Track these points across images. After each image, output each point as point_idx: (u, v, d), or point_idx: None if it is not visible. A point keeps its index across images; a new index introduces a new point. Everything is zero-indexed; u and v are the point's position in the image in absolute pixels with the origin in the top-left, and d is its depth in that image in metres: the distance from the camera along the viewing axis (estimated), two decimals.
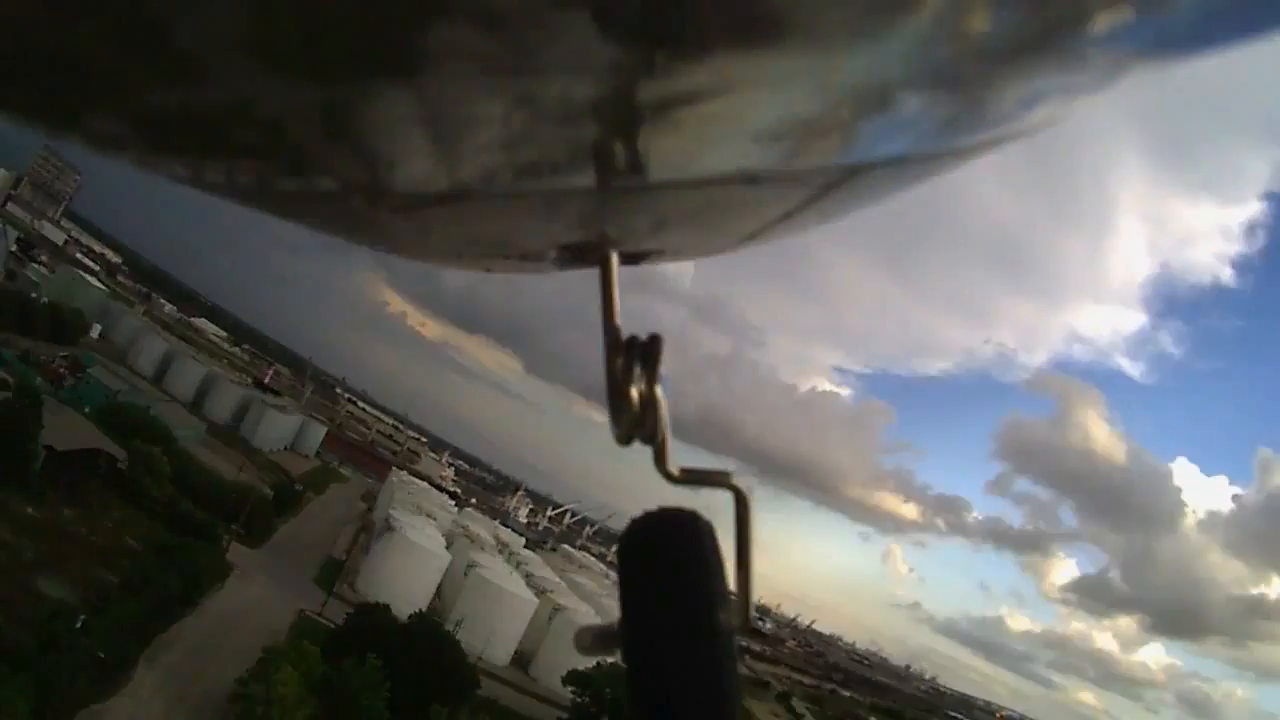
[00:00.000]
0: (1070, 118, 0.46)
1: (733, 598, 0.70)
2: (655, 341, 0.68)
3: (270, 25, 0.31)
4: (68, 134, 0.44)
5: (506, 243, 0.66)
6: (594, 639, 0.71)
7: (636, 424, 0.68)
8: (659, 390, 0.67)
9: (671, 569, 0.65)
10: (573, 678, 31.37)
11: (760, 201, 0.57)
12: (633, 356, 0.68)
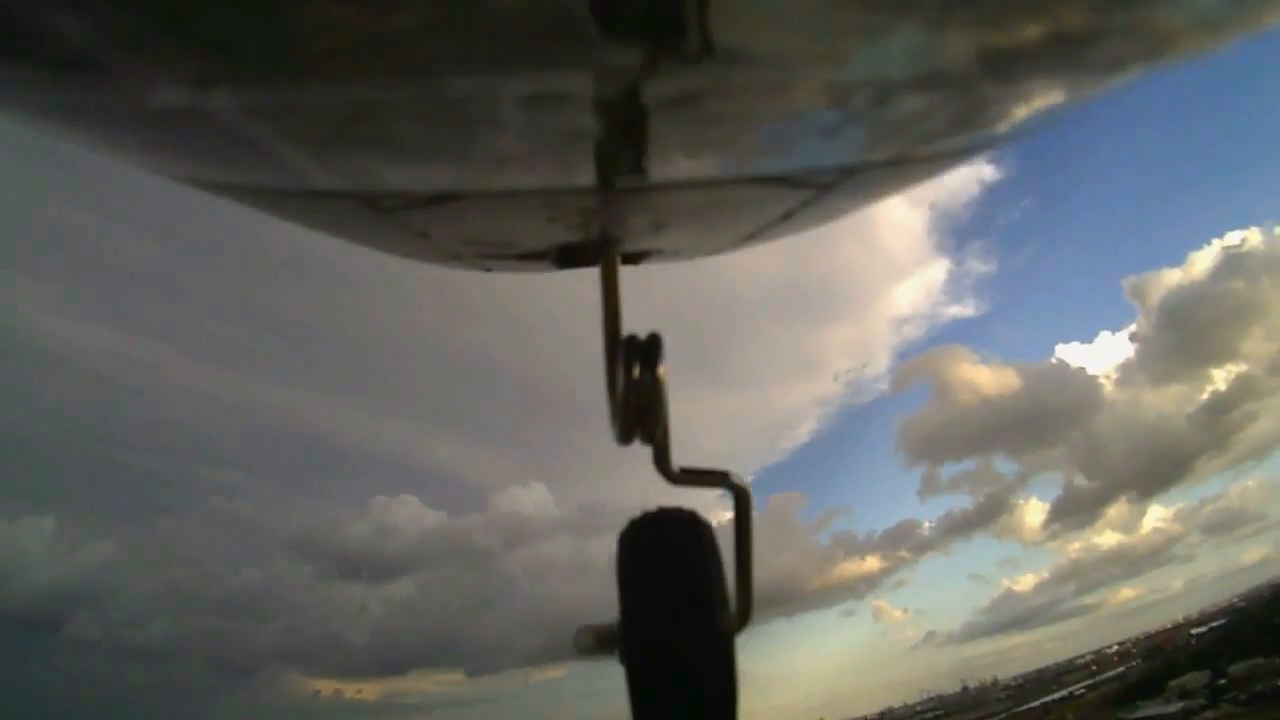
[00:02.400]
0: (1066, 119, 0.46)
1: (733, 596, 0.70)
2: (655, 341, 0.69)
3: (270, 25, 0.31)
4: (68, 134, 0.44)
5: (507, 243, 0.66)
6: (594, 638, 0.72)
7: (636, 423, 0.68)
8: (659, 390, 0.67)
9: (671, 568, 0.65)
10: None
11: (760, 201, 0.57)
12: (633, 356, 0.68)
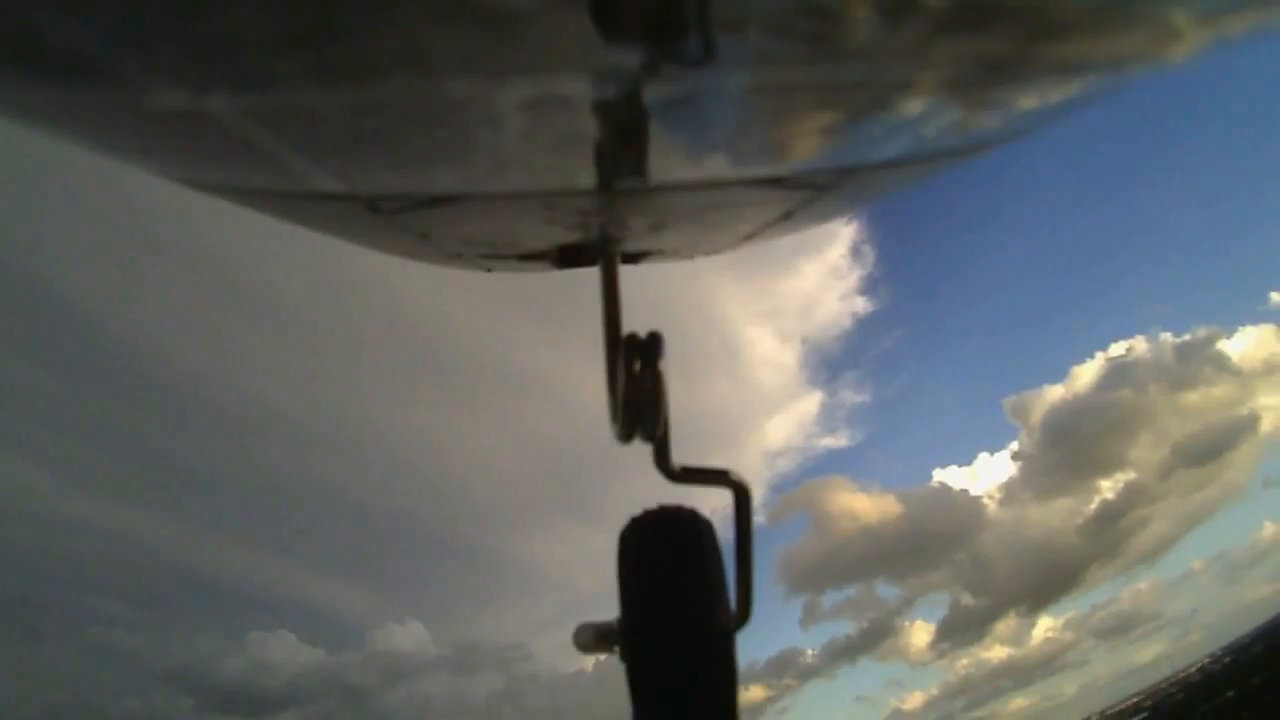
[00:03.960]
0: (1065, 120, 0.47)
1: (732, 595, 0.71)
2: (655, 339, 0.69)
3: (271, 27, 0.31)
4: (68, 134, 0.44)
5: (507, 243, 0.66)
6: (594, 636, 0.72)
7: (637, 422, 0.68)
8: (659, 388, 0.68)
9: (671, 566, 0.66)
10: None
11: (760, 202, 0.57)
12: (633, 355, 0.68)
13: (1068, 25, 0.33)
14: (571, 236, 0.64)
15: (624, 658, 0.64)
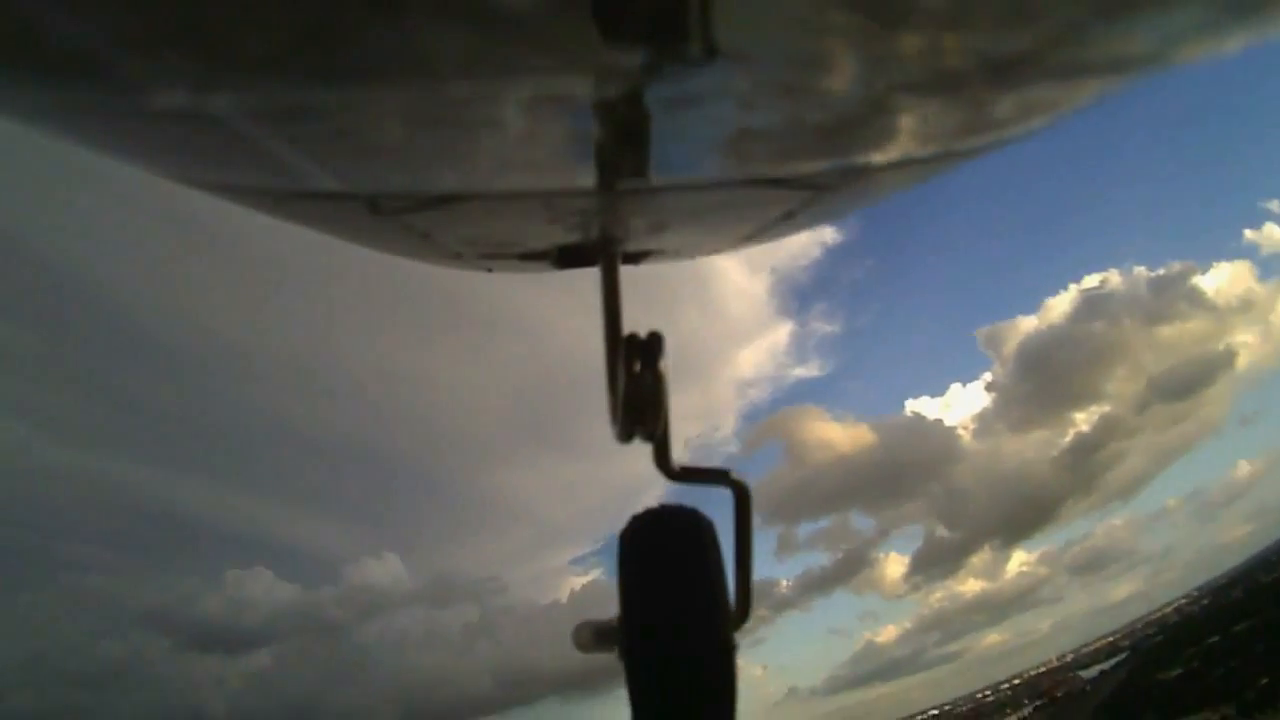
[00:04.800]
0: (1066, 120, 0.47)
1: (732, 594, 0.71)
2: (656, 339, 0.69)
3: (272, 27, 0.31)
4: (68, 134, 0.44)
5: (508, 243, 0.66)
6: (593, 636, 0.72)
7: (637, 422, 0.68)
8: (660, 388, 0.68)
9: (671, 565, 0.66)
10: None
11: (760, 202, 0.57)
12: (633, 354, 0.68)
13: (1068, 26, 0.33)
14: (572, 236, 0.64)
15: (623, 657, 0.64)
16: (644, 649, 0.63)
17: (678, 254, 0.77)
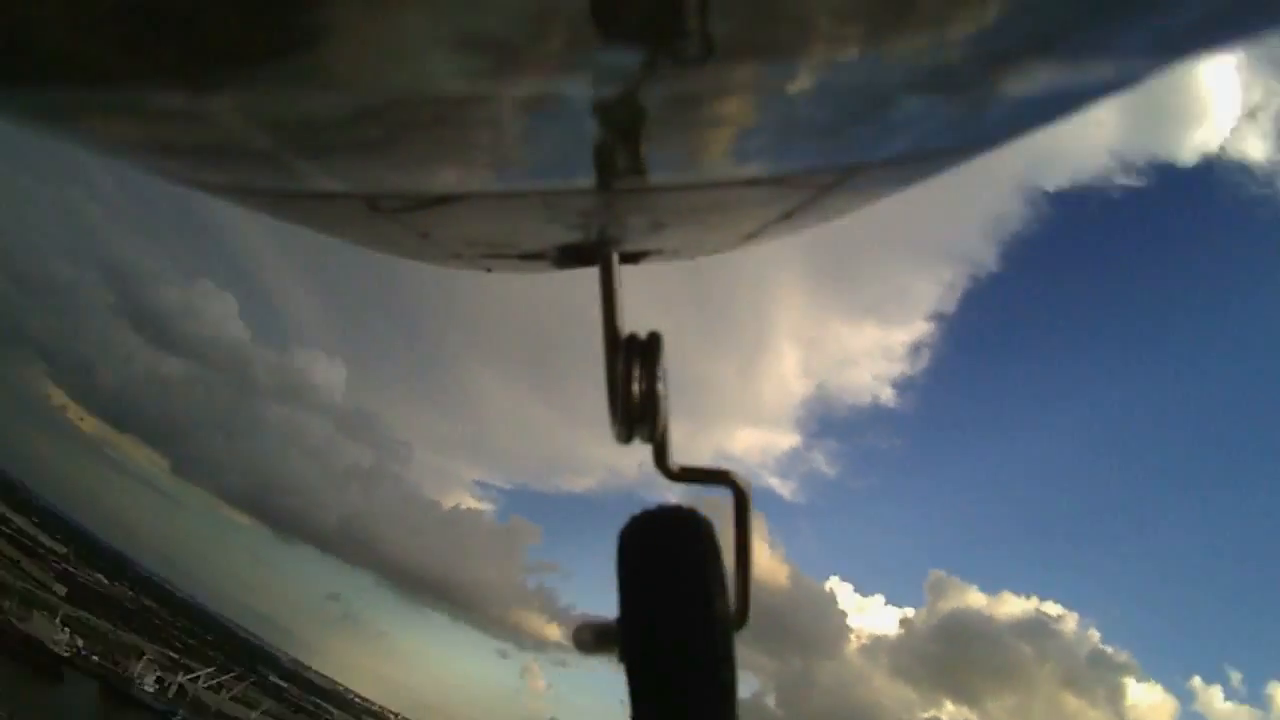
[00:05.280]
0: (1067, 118, 0.46)
1: (732, 593, 0.71)
2: (655, 340, 0.69)
3: (271, 27, 0.31)
4: (68, 134, 0.44)
5: (507, 243, 0.66)
6: (593, 636, 0.72)
7: (636, 422, 0.68)
8: (659, 388, 0.68)
9: (670, 565, 0.66)
10: None
11: (760, 201, 0.57)
12: (632, 355, 0.68)
13: (1069, 22, 0.33)
14: (571, 236, 0.64)
15: (623, 658, 0.64)
16: (643, 650, 0.63)
17: (677, 254, 0.77)
